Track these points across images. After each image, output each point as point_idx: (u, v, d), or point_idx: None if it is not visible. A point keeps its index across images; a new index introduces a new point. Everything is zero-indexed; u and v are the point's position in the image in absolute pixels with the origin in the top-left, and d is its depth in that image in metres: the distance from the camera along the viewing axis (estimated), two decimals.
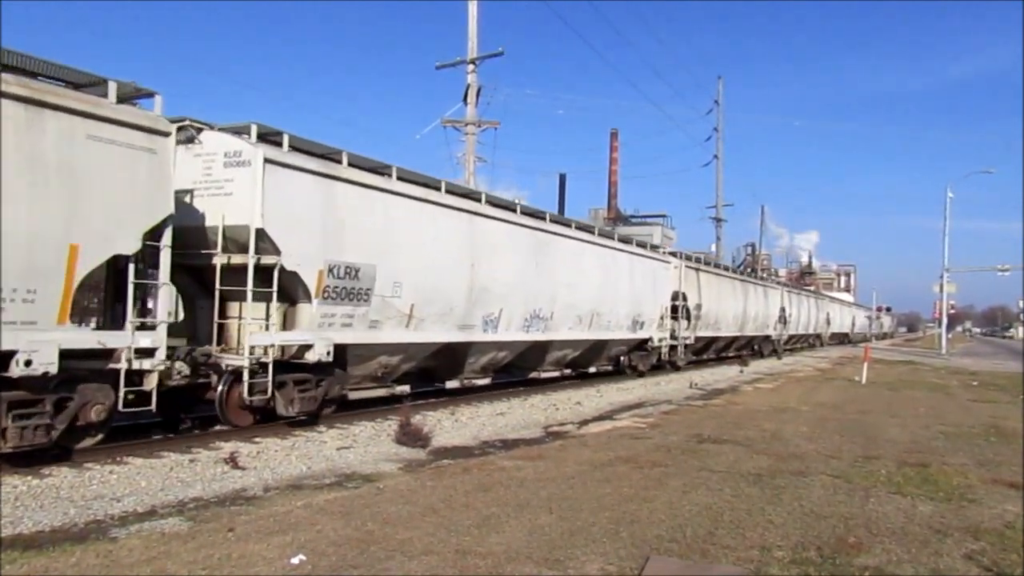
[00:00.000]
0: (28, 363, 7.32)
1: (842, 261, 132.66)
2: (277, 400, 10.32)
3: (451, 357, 14.31)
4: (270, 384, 9.99)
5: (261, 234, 9.77)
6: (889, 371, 28.43)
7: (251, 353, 9.79)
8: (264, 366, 9.98)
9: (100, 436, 8.58)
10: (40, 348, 7.40)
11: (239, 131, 10.20)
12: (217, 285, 9.82)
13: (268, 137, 10.45)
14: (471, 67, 25.14)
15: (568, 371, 19.58)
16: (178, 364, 9.25)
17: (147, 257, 8.64)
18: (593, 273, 18.56)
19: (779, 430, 11.80)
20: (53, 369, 7.54)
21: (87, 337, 8.10)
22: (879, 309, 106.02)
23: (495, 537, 5.76)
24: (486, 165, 36.23)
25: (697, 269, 26.41)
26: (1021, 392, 20.15)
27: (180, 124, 9.63)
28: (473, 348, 14.49)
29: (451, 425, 12.23)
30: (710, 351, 30.53)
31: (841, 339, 65.73)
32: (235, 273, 9.85)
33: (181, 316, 10.86)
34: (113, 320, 8.69)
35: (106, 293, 8.85)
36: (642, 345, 22.43)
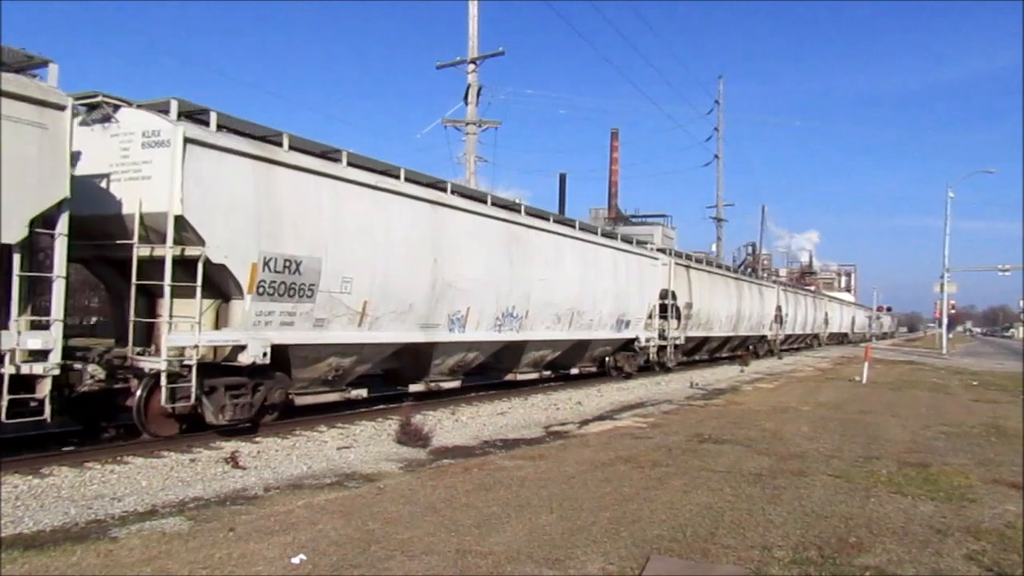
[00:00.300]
0: None
1: (843, 261, 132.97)
2: (205, 407, 9.46)
3: (415, 358, 13.57)
4: (193, 389, 9.01)
5: (181, 222, 8.83)
6: (890, 371, 28.42)
7: (171, 355, 8.86)
8: (190, 369, 9.05)
9: None
10: None
11: (160, 108, 9.18)
12: (134, 279, 8.84)
13: (194, 115, 9.49)
14: (472, 67, 25.13)
15: (547, 373, 18.34)
16: (91, 367, 8.55)
17: (43, 247, 7.79)
18: (573, 269, 17.60)
19: (780, 430, 11.80)
20: None
21: None
22: (879, 309, 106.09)
23: (496, 537, 5.76)
24: (487, 165, 36.28)
25: (688, 266, 25.55)
26: (1021, 392, 20.15)
27: (93, 101, 9.01)
28: (438, 349, 13.65)
29: (452, 425, 12.22)
30: (702, 352, 29.86)
31: (840, 339, 65.39)
32: (160, 266, 8.94)
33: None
34: None
35: None
36: (628, 345, 21.45)
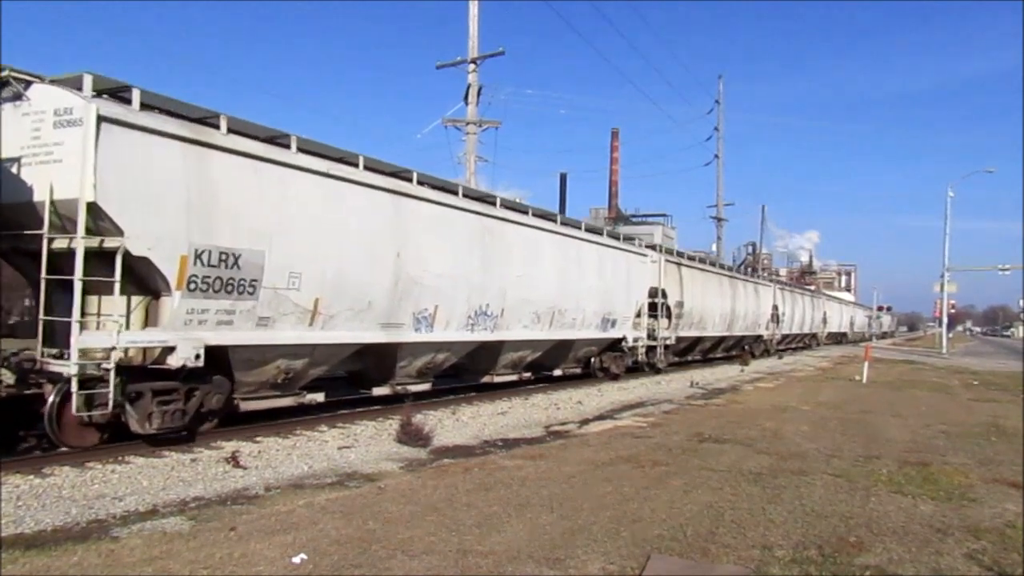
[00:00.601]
0: None
1: (843, 261, 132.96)
2: (128, 415, 8.72)
3: (379, 360, 12.73)
4: (111, 396, 8.17)
5: (95, 210, 8.00)
6: (890, 370, 28.43)
7: (84, 358, 8.01)
8: (117, 372, 8.29)
9: None
10: None
11: (74, 84, 8.33)
12: (43, 273, 8.10)
13: (115, 92, 8.67)
14: (472, 67, 25.14)
15: (528, 375, 17.33)
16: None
17: None
18: (554, 265, 16.67)
19: (780, 429, 11.81)
20: None
21: None
22: (880, 308, 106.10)
23: (496, 536, 5.76)
24: (487, 165, 36.27)
25: (679, 264, 24.73)
26: (1021, 391, 20.15)
27: (0, 76, 8.28)
28: (404, 350, 12.76)
29: (452, 424, 12.23)
30: (695, 352, 29.11)
31: (838, 339, 64.97)
32: (86, 260, 8.09)
33: None
34: None
35: None
36: (615, 346, 20.51)
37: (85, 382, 8.11)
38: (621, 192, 62.35)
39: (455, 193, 13.90)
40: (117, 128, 8.18)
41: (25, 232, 8.32)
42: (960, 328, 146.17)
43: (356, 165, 11.44)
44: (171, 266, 8.70)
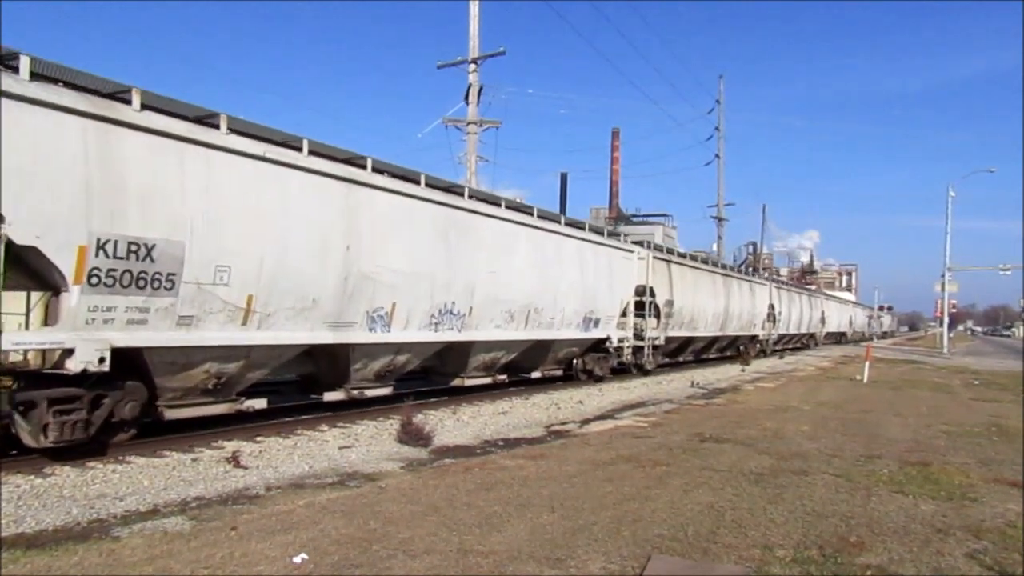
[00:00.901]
0: None
1: (844, 260, 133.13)
2: (19, 427, 7.82)
3: (331, 362, 11.86)
4: None
5: None
6: (891, 370, 28.41)
7: None
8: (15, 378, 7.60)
9: None
10: None
11: None
12: None
13: (1, 60, 7.78)
14: (472, 67, 25.15)
15: (503, 377, 16.28)
16: None
17: None
18: (529, 261, 15.69)
19: (781, 429, 11.81)
20: None
21: None
22: (880, 308, 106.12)
23: (497, 536, 5.76)
24: (488, 164, 36.24)
25: (668, 261, 23.80)
26: (1022, 391, 20.14)
27: None
28: (357, 351, 11.81)
29: (453, 424, 12.23)
30: (687, 352, 28.11)
31: (837, 339, 64.50)
32: None
33: None
34: None
35: None
36: (599, 346, 19.59)
37: None
38: (622, 192, 62.44)
39: (417, 182, 12.91)
40: None
41: None
42: (961, 328, 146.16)
43: (298, 149, 10.47)
44: (67, 257, 7.73)
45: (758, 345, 36.57)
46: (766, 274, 52.45)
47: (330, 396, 12.00)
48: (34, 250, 7.52)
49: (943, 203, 46.74)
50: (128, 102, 8.46)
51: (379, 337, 11.97)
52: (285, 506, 6.63)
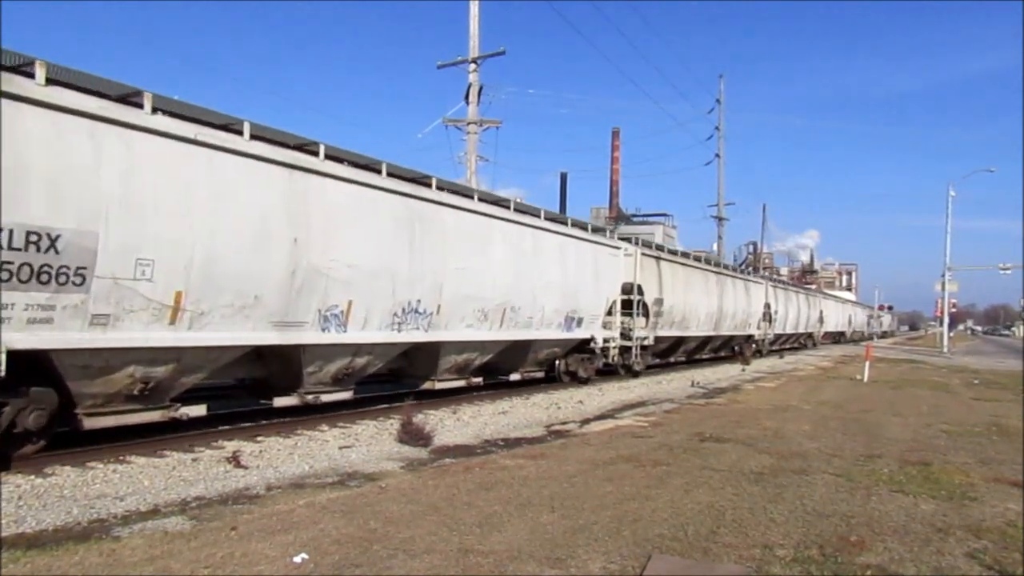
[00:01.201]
0: None
1: (844, 260, 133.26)
2: None
3: (282, 365, 10.96)
4: None
5: None
6: (891, 370, 28.42)
7: None
8: None
9: None
10: None
11: None
12: None
13: None
14: (473, 66, 25.16)
15: (478, 380, 15.37)
16: None
17: None
18: (504, 257, 14.80)
19: (781, 429, 11.81)
20: None
21: None
22: (880, 307, 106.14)
23: (497, 536, 5.76)
24: (488, 164, 36.24)
25: (658, 258, 22.96)
26: (1022, 390, 20.14)
27: None
28: (310, 353, 10.91)
29: (453, 424, 12.24)
30: (679, 353, 27.22)
31: (836, 338, 64.04)
32: None
33: None
34: None
35: None
36: (583, 347, 18.67)
37: None
38: (622, 192, 62.55)
39: (377, 171, 11.97)
40: None
41: None
42: (961, 327, 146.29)
43: (239, 132, 9.62)
44: None
45: (754, 345, 35.86)
46: (766, 273, 52.39)
47: (281, 402, 11.12)
48: None
49: (943, 203, 46.86)
50: (31, 75, 7.55)
51: (333, 337, 11.08)
52: (285, 506, 6.63)
